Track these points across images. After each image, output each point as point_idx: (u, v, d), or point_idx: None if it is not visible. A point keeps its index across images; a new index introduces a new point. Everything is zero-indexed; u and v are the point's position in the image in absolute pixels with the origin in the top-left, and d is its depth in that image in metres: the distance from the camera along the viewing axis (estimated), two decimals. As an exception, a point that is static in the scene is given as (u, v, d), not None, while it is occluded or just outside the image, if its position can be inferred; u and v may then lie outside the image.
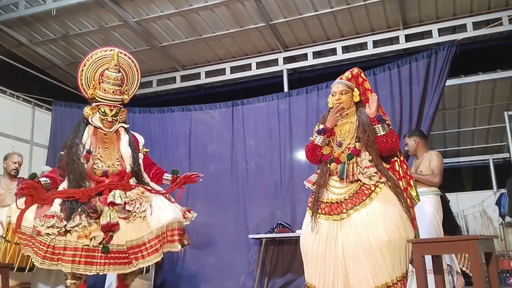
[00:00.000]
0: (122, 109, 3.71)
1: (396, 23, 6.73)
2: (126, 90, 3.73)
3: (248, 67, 7.69)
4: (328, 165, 3.15)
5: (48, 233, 3.10)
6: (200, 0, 6.41)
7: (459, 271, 4.96)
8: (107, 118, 3.60)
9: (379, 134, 3.06)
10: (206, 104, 7.00)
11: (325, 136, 3.21)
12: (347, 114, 3.24)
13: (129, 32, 7.08)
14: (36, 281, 4.83)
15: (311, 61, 7.27)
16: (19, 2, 6.51)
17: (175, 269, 6.40)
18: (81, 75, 3.68)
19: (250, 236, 6.05)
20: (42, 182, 3.39)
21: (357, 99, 3.24)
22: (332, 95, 3.27)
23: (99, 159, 3.53)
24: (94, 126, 3.62)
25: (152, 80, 8.15)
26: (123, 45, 7.37)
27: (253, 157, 6.59)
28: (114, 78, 3.62)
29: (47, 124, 7.25)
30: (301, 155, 6.18)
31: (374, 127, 3.06)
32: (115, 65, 3.63)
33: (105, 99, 3.60)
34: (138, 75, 3.87)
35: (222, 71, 7.83)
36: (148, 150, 3.93)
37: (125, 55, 3.80)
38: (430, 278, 3.03)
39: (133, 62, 3.82)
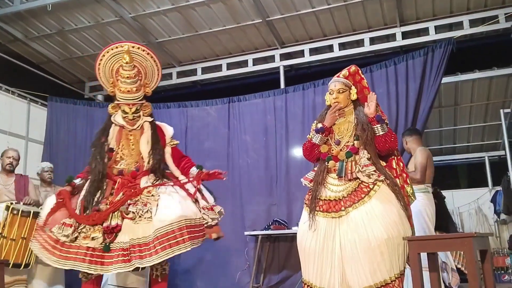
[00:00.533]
0: (144, 104, 3.67)
1: (393, 20, 6.73)
2: (146, 84, 3.70)
3: (244, 63, 7.67)
4: (326, 163, 3.15)
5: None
6: (196, -4, 6.39)
7: (454, 268, 4.99)
8: (128, 117, 3.59)
9: (378, 134, 3.06)
10: (203, 100, 6.98)
11: (324, 135, 3.21)
12: (344, 112, 3.25)
13: (125, 28, 7.05)
14: (32, 278, 4.83)
15: (307, 58, 7.26)
16: (15, -3, 6.49)
17: (170, 266, 6.37)
18: (99, 74, 3.71)
19: (246, 232, 6.04)
20: (77, 184, 3.56)
21: (354, 97, 3.25)
22: (330, 93, 3.27)
23: (121, 157, 3.57)
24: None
25: (148, 76, 8.13)
26: (119, 40, 7.33)
27: (249, 154, 6.57)
28: (127, 76, 3.57)
29: (42, 120, 7.20)
30: (297, 151, 6.18)
31: (374, 127, 3.07)
32: (127, 63, 3.56)
33: (122, 99, 3.60)
34: (156, 65, 3.75)
35: (218, 68, 7.82)
36: (177, 142, 3.83)
37: (138, 48, 3.68)
38: (426, 275, 3.05)
39: (148, 53, 3.69)
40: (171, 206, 3.35)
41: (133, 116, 3.60)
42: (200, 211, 3.49)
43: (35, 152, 7.03)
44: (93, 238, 3.23)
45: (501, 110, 7.44)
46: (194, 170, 3.71)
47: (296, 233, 3.27)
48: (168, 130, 3.77)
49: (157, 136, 3.66)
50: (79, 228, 3.28)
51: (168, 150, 3.71)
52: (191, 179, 3.64)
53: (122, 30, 7.12)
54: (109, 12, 6.69)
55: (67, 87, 7.95)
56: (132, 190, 3.40)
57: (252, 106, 6.72)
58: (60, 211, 3.38)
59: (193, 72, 7.99)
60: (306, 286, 3.08)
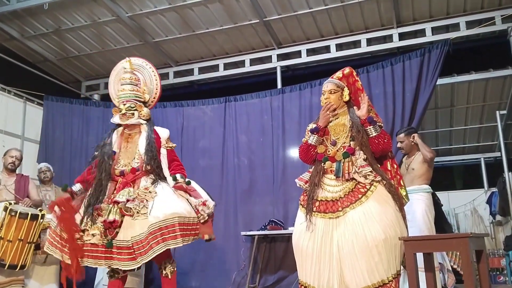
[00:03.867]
0: (139, 104, 3.83)
1: (390, 22, 6.75)
2: (144, 90, 3.93)
3: (241, 63, 7.66)
4: (323, 163, 3.16)
5: None
6: (194, -4, 6.38)
7: (450, 269, 4.99)
8: (121, 112, 3.77)
9: (371, 136, 3.08)
10: (199, 99, 6.98)
11: (319, 135, 3.21)
12: (337, 113, 3.26)
13: (122, 27, 7.03)
14: (28, 278, 4.82)
15: (304, 59, 7.27)
16: (11, -4, 6.47)
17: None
18: (110, 90, 4.10)
19: (243, 233, 6.04)
20: (76, 190, 3.74)
21: (346, 98, 3.27)
22: (322, 94, 3.29)
23: (122, 158, 3.76)
24: (122, 129, 3.88)
25: (145, 75, 8.12)
26: (116, 40, 7.33)
27: (245, 154, 6.57)
28: (123, 78, 3.87)
29: (38, 119, 7.18)
30: (293, 152, 6.18)
31: (366, 129, 3.08)
32: (125, 68, 3.94)
33: (120, 97, 3.83)
34: (154, 74, 4.05)
35: (215, 68, 7.82)
36: (174, 145, 3.97)
37: (138, 59, 4.09)
38: (422, 275, 3.05)
39: (147, 64, 4.05)
40: (166, 203, 3.48)
41: (126, 111, 3.76)
42: (194, 209, 3.60)
43: (31, 151, 7.01)
44: (93, 235, 3.44)
45: (497, 112, 7.47)
46: (170, 180, 3.76)
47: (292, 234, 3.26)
48: (163, 133, 3.89)
49: (153, 139, 3.78)
50: (82, 226, 3.51)
51: (163, 152, 3.82)
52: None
53: (119, 30, 7.10)
54: (106, 11, 6.68)
55: (63, 86, 7.94)
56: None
57: (248, 106, 6.71)
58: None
59: (190, 72, 7.98)
60: (302, 287, 3.08)
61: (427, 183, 4.54)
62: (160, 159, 3.77)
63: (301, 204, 3.21)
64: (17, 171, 5.37)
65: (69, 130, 7.19)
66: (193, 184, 3.80)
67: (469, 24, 6.44)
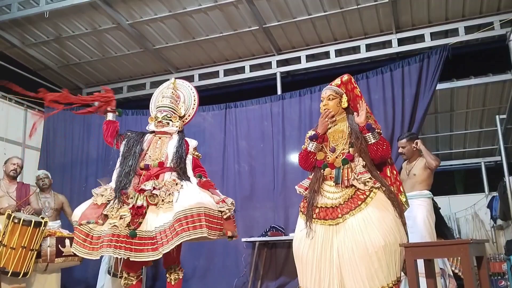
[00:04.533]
0: (174, 115, 4.11)
1: (388, 27, 6.77)
2: (181, 107, 4.25)
3: (241, 70, 7.68)
4: (322, 170, 3.17)
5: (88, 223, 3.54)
6: (193, 3, 6.40)
7: (451, 274, 4.99)
8: (158, 119, 4.04)
9: (370, 143, 3.09)
10: (199, 106, 6.97)
11: (317, 142, 3.23)
12: (336, 120, 3.27)
13: (122, 35, 7.06)
14: (30, 285, 4.82)
15: (304, 64, 7.28)
16: (12, 4, 6.49)
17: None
18: (151, 104, 4.41)
19: (243, 239, 6.03)
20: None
21: (345, 105, 3.29)
22: (321, 101, 3.31)
23: (149, 155, 3.91)
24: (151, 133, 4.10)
25: (146, 82, 8.14)
26: (117, 47, 7.36)
27: (246, 160, 6.58)
28: (165, 93, 4.25)
29: (39, 127, 7.20)
30: (294, 158, 6.19)
31: (365, 136, 3.10)
32: (169, 86, 4.34)
33: (158, 107, 4.14)
34: (194, 94, 4.39)
35: (215, 74, 7.84)
36: (200, 155, 4.20)
37: (183, 81, 4.53)
38: (423, 281, 3.06)
39: (189, 86, 4.46)
40: (192, 194, 3.57)
41: (162, 119, 4.03)
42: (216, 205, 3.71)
43: (32, 158, 7.03)
44: (121, 217, 3.47)
45: (497, 116, 7.48)
46: (194, 179, 3.91)
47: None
48: (192, 142, 4.14)
49: (183, 143, 4.02)
50: (106, 210, 3.57)
51: (189, 158, 4.01)
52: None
53: (119, 37, 7.13)
54: (106, 19, 6.71)
55: (64, 94, 7.93)
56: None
57: (249, 112, 6.74)
58: (89, 208, 3.64)
59: (190, 78, 7.98)
60: (303, 294, 3.08)
61: (428, 189, 4.56)
62: (186, 163, 3.95)
63: (301, 211, 3.22)
64: (18, 179, 5.39)
65: (70, 137, 7.22)
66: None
67: (468, 29, 6.46)
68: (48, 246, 4.71)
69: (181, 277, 3.79)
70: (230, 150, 6.67)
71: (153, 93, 4.53)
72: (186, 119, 4.32)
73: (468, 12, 6.46)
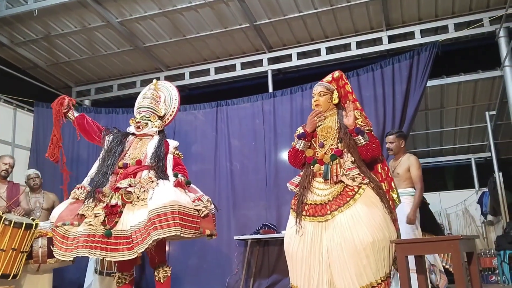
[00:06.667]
0: (153, 115, 4.12)
1: (379, 24, 6.79)
2: (162, 107, 4.27)
3: (232, 67, 7.68)
4: (312, 166, 3.17)
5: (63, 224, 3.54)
6: (184, 1, 6.38)
7: (442, 270, 5.03)
8: (135, 120, 4.07)
9: (360, 145, 3.10)
10: (190, 104, 6.97)
11: (306, 140, 3.23)
12: (325, 117, 3.28)
13: (112, 33, 7.02)
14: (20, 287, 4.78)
15: (295, 62, 7.29)
16: (0, 2, 6.43)
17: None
18: (135, 106, 4.33)
19: (235, 237, 6.03)
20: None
21: (336, 101, 3.31)
22: (312, 97, 3.32)
23: (128, 154, 3.94)
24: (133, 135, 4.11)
25: (136, 80, 8.10)
26: (106, 45, 7.31)
27: (237, 158, 6.57)
28: (146, 93, 4.28)
29: (29, 126, 7.14)
30: (286, 155, 6.12)
31: (355, 138, 3.10)
32: (150, 87, 4.37)
33: (138, 108, 4.18)
34: (175, 95, 4.41)
35: (206, 72, 7.81)
36: (181, 154, 4.18)
37: (165, 82, 4.65)
38: (413, 277, 3.07)
39: (170, 86, 4.50)
40: (166, 193, 3.53)
41: (140, 119, 4.05)
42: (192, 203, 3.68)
43: (21, 158, 6.95)
44: (95, 215, 3.48)
45: (487, 113, 7.54)
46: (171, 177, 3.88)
47: (286, 237, 3.27)
48: (172, 142, 4.13)
49: (162, 143, 4.02)
50: (81, 209, 3.57)
51: (170, 157, 4.00)
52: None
53: (109, 35, 7.09)
54: (96, 17, 6.66)
55: (54, 93, 7.88)
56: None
57: (240, 110, 6.72)
58: (66, 210, 3.66)
59: (181, 76, 7.98)
60: (293, 290, 3.09)
61: (412, 186, 4.61)
62: (166, 161, 3.93)
63: (292, 208, 3.22)
64: (8, 178, 5.34)
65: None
66: (193, 186, 3.92)
67: (458, 26, 6.49)
68: (40, 247, 4.65)
69: (169, 274, 3.76)
70: (221, 148, 6.66)
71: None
72: (168, 119, 4.35)
73: (458, 9, 6.49)
